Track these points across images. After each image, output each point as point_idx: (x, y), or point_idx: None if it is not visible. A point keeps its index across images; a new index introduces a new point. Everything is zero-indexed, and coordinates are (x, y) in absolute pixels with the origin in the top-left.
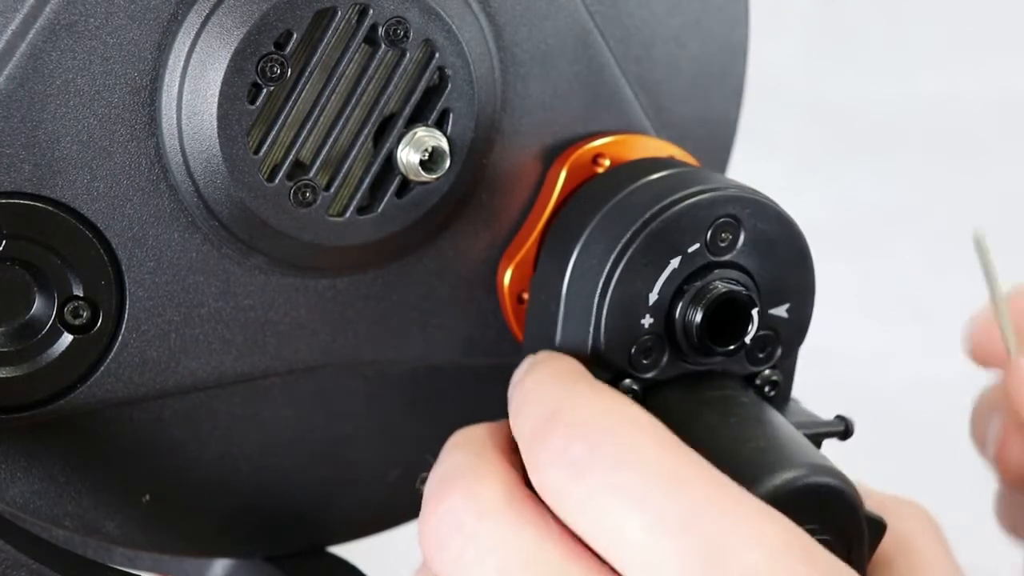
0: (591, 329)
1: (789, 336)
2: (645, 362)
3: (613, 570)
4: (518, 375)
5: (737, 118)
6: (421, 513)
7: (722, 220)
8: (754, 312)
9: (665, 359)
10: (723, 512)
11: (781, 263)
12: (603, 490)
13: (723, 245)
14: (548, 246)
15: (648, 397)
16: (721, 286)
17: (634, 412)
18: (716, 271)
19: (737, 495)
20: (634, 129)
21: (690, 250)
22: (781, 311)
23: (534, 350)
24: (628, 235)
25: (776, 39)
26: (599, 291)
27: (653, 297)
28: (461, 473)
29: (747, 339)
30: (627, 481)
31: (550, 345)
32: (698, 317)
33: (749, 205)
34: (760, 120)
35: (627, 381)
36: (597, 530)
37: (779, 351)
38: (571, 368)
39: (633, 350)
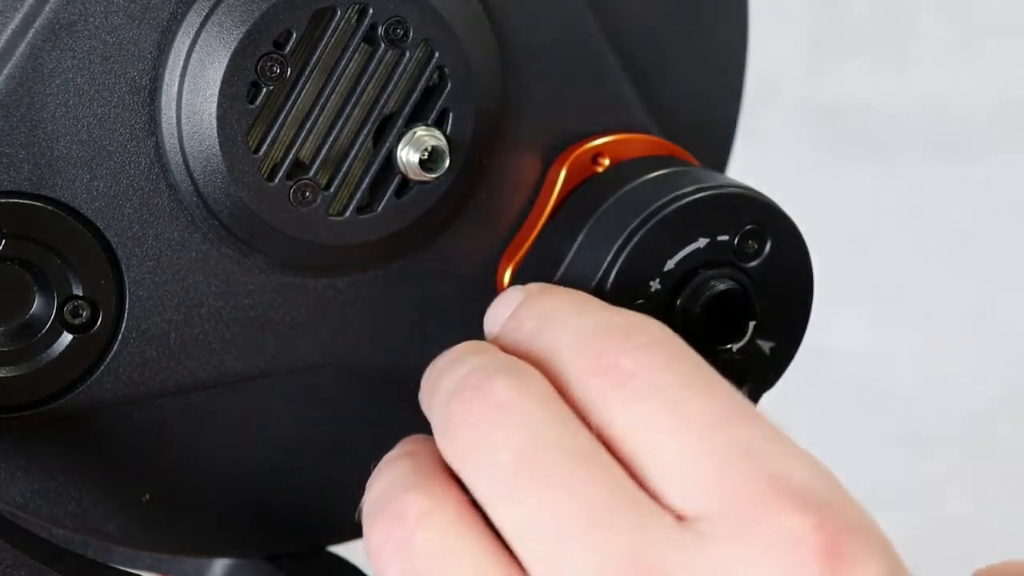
0: (604, 267)
1: (762, 373)
2: None
3: None
4: (508, 300)
5: (737, 118)
6: (365, 536)
7: (753, 227)
8: (750, 324)
9: None
10: (758, 422)
11: (785, 299)
12: (647, 396)
13: (748, 252)
14: (574, 203)
15: None
16: (733, 285)
17: (668, 331)
18: (733, 270)
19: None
20: (634, 128)
21: (719, 239)
22: (765, 346)
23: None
24: (677, 195)
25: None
26: (627, 233)
27: (669, 265)
28: (392, 494)
29: (734, 347)
30: (672, 391)
31: (549, 273)
32: (702, 300)
33: (783, 225)
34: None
35: None
36: (640, 438)
37: (746, 385)
38: (585, 295)
39: (632, 306)
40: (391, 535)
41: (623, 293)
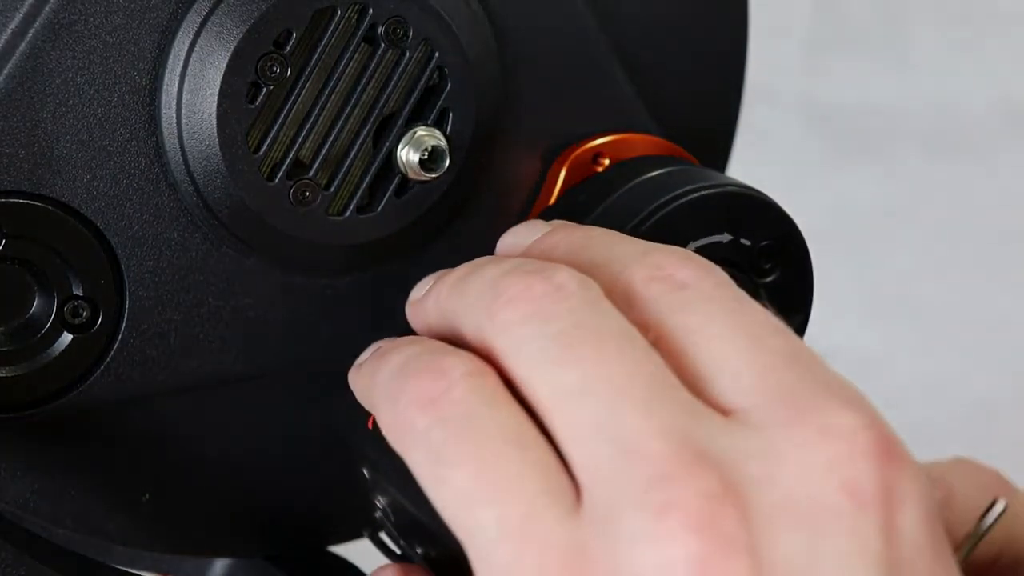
0: (628, 229)
1: None
2: None
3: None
4: (531, 228)
5: (737, 118)
6: (383, 407)
7: (771, 244)
8: None
9: None
10: (804, 343)
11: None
12: (704, 303)
13: (763, 268)
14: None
15: None
16: (751, 286)
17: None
18: (746, 276)
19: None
20: (634, 129)
21: (742, 241)
22: None
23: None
24: (719, 182)
25: (776, 39)
26: (664, 201)
27: (691, 248)
28: (431, 357)
29: None
30: (727, 303)
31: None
32: None
33: (799, 255)
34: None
35: None
36: (695, 337)
37: None
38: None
39: None
40: (430, 388)
41: None
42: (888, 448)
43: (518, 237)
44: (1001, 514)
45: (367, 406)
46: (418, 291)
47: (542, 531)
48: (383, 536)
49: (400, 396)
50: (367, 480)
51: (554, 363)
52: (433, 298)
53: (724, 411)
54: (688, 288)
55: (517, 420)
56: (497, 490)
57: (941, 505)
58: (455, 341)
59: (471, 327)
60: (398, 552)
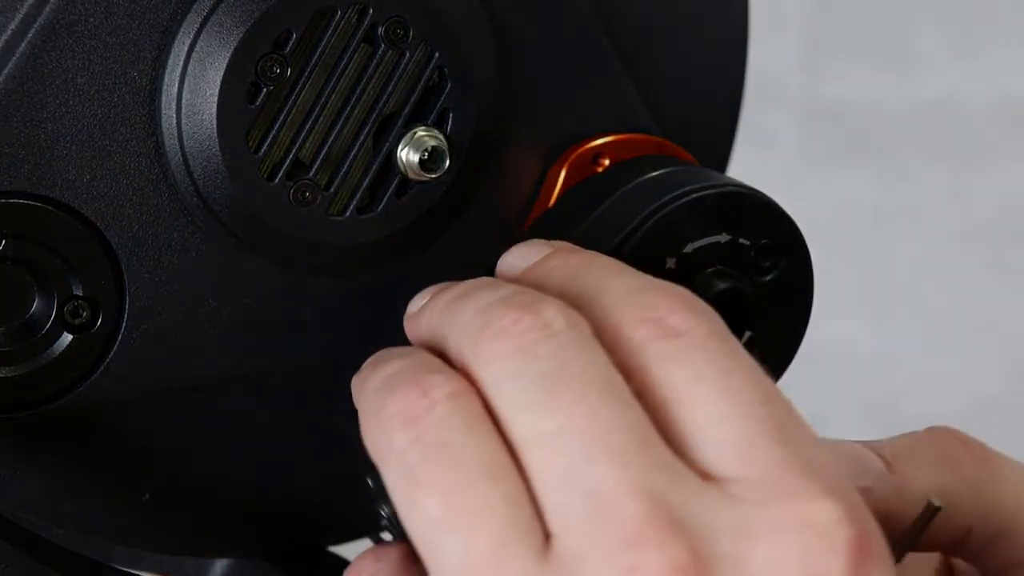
0: (629, 228)
1: None
2: None
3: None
4: (531, 250)
5: (737, 118)
6: (366, 418)
7: (771, 244)
8: (746, 334)
9: None
10: (795, 411)
11: (779, 327)
12: (694, 355)
13: (763, 267)
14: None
15: None
16: (741, 287)
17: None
18: (745, 276)
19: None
20: (634, 129)
21: (740, 241)
22: None
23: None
24: (718, 183)
25: (776, 39)
26: (663, 202)
27: (688, 248)
28: (417, 372)
29: None
30: (719, 357)
31: (565, 229)
32: (709, 293)
33: (799, 253)
34: (760, 120)
35: None
36: (679, 393)
37: None
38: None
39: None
40: (411, 404)
41: (639, 260)
42: (863, 546)
43: (518, 259)
44: (932, 517)
45: None
46: (415, 304)
47: (507, 567)
48: (383, 537)
49: (382, 410)
50: (371, 489)
51: (534, 406)
52: (427, 315)
53: (703, 474)
54: (680, 336)
55: (493, 450)
56: (465, 519)
57: (893, 492)
58: (444, 359)
59: (458, 353)
60: None
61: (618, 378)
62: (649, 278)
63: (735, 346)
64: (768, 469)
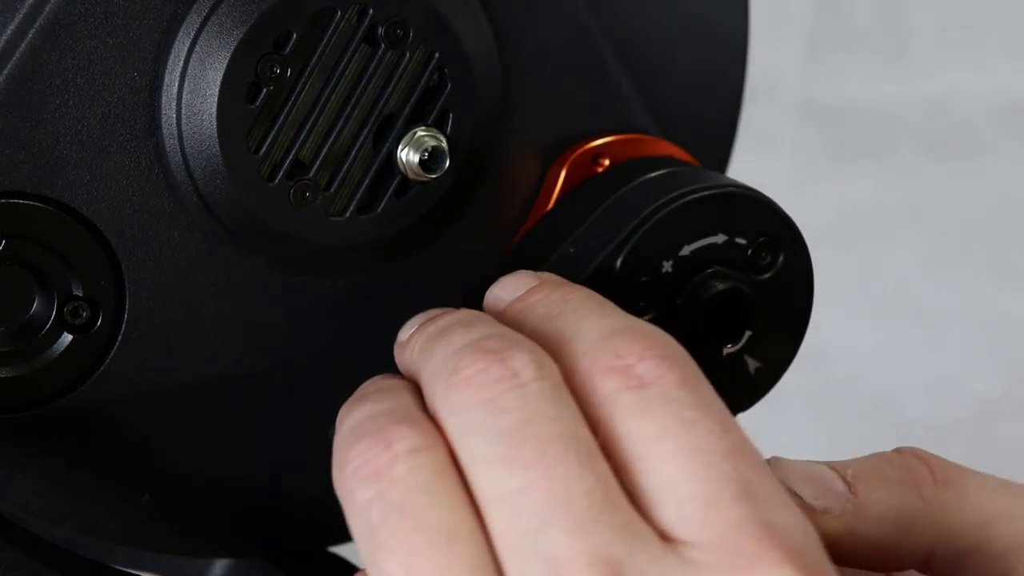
0: (624, 235)
1: (740, 391)
2: (641, 304)
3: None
4: (517, 282)
5: (737, 118)
6: (334, 464)
7: (769, 240)
8: (745, 334)
9: (651, 317)
10: (762, 465)
11: (781, 323)
12: (660, 408)
13: (761, 264)
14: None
15: None
16: (740, 286)
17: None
18: (743, 275)
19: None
20: (634, 129)
21: (737, 240)
22: (751, 364)
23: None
24: (713, 184)
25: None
26: (657, 206)
27: (685, 251)
28: (383, 421)
29: (724, 351)
30: (685, 409)
31: (557, 240)
32: (707, 294)
33: (797, 248)
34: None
35: None
36: (642, 448)
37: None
38: (603, 298)
39: (638, 282)
40: (373, 459)
41: (635, 265)
42: None
43: (504, 291)
44: None
45: None
46: (403, 333)
47: None
48: None
49: (346, 461)
50: None
51: (497, 462)
52: (409, 349)
53: (664, 536)
54: (646, 387)
55: (455, 511)
56: None
57: (853, 512)
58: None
59: (430, 396)
60: None
61: (584, 433)
62: (624, 318)
63: (705, 395)
64: (727, 531)
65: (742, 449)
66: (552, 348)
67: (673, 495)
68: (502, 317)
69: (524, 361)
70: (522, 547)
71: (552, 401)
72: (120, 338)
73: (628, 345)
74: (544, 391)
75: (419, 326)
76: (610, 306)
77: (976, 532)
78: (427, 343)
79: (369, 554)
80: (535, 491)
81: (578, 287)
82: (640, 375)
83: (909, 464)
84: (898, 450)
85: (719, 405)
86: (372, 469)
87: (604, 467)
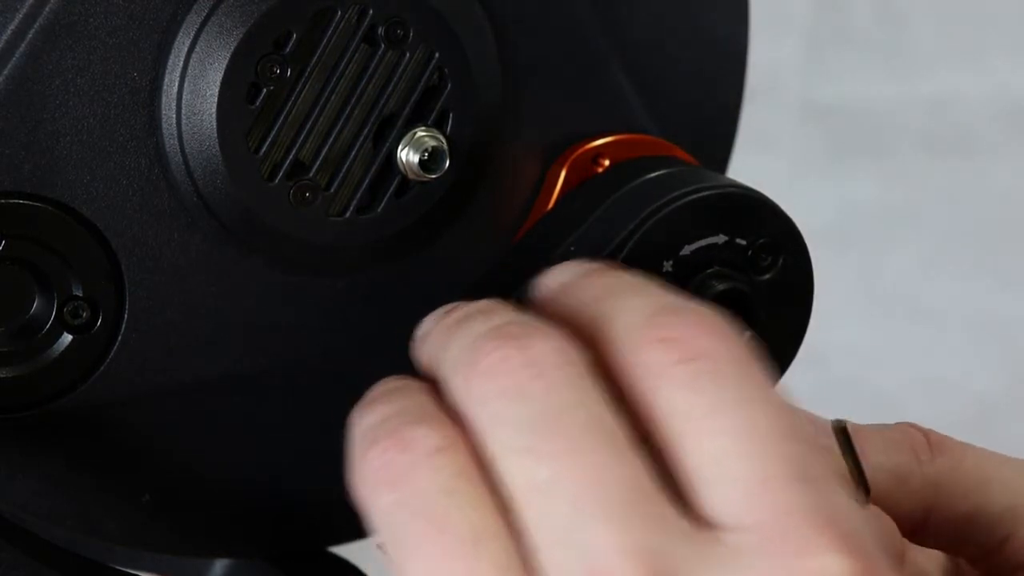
0: (625, 234)
1: None
2: None
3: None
4: (565, 271)
5: (737, 118)
6: (354, 467)
7: (769, 242)
8: (746, 334)
9: None
10: (818, 450)
11: (779, 327)
12: (709, 381)
13: (761, 265)
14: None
15: None
16: (740, 287)
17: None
18: (743, 275)
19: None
20: (634, 129)
21: (738, 241)
22: None
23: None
24: (714, 183)
25: (776, 39)
26: (659, 205)
27: (686, 251)
28: (401, 422)
29: None
30: (737, 385)
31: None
32: (708, 294)
33: (798, 250)
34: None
35: None
36: (687, 425)
37: None
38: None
39: None
40: (393, 461)
41: (635, 265)
42: None
43: (552, 280)
44: (847, 436)
45: None
46: (421, 329)
47: None
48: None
49: (365, 465)
50: None
51: (526, 453)
52: (428, 344)
53: (707, 521)
54: (696, 360)
55: (479, 511)
56: None
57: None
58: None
59: (449, 386)
60: None
61: (616, 420)
62: (675, 296)
63: (759, 374)
64: (777, 516)
65: (799, 433)
66: (598, 327)
67: (721, 476)
68: (549, 305)
69: (546, 347)
70: (556, 541)
71: (578, 388)
72: (120, 338)
73: (679, 320)
74: (569, 378)
75: (436, 321)
76: (659, 286)
77: (974, 496)
78: (446, 333)
79: (395, 557)
80: (566, 481)
81: (628, 271)
82: (691, 347)
83: (908, 431)
84: (898, 423)
85: (771, 386)
86: (391, 473)
87: (639, 454)
